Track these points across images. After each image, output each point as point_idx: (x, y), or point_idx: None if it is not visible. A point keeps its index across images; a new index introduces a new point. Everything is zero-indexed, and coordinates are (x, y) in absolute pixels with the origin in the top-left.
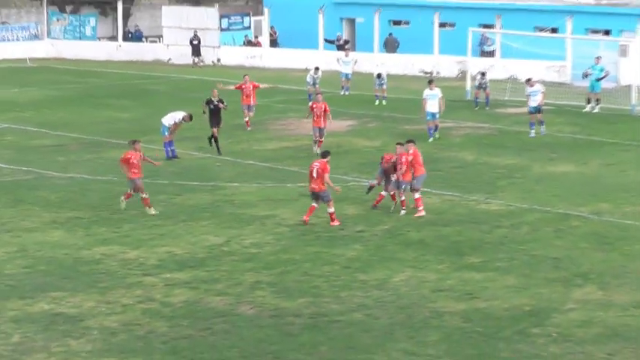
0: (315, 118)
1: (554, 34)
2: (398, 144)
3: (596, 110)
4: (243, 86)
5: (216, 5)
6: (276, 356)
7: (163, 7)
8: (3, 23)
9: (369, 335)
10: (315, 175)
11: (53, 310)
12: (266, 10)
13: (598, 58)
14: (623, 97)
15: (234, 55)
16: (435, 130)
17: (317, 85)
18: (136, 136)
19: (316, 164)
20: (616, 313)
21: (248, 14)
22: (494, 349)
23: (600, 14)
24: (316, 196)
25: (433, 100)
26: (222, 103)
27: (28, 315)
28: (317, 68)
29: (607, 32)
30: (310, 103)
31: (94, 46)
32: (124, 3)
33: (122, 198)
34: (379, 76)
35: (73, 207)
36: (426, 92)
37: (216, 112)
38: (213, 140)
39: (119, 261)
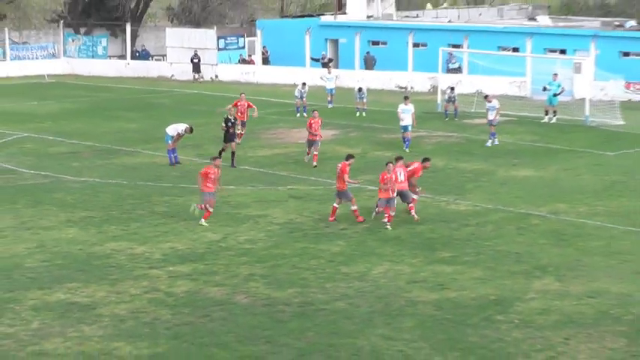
0: (313, 132)
1: (515, 53)
2: (389, 163)
3: (553, 121)
4: (238, 103)
5: (215, 27)
6: (268, 341)
7: (167, 29)
8: (24, 43)
9: (351, 322)
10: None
11: (69, 299)
12: (259, 32)
13: (555, 75)
14: (578, 109)
15: (230, 71)
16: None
17: (304, 99)
18: (143, 144)
19: (338, 165)
20: (571, 302)
21: (243, 35)
22: (463, 334)
23: (557, 35)
24: (339, 194)
25: (407, 114)
26: (235, 123)
27: (46, 304)
28: (304, 83)
29: (563, 51)
30: (309, 120)
31: (105, 64)
32: (132, 25)
33: (195, 205)
34: (360, 90)
35: (86, 207)
36: (401, 107)
37: (232, 129)
38: (221, 152)
39: (127, 255)
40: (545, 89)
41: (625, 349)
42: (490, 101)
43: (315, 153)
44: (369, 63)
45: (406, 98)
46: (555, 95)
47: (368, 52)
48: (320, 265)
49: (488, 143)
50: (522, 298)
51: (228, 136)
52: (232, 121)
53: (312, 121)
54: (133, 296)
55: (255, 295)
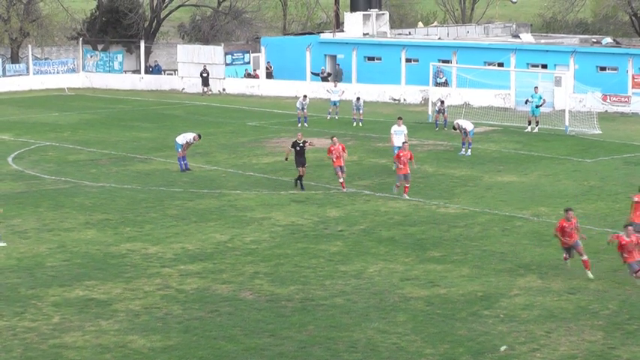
0: (401, 166)
1: (500, 68)
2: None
3: (535, 130)
4: (332, 148)
5: (222, 44)
6: (271, 334)
7: (178, 46)
8: (45, 59)
9: (348, 316)
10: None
11: (87, 295)
12: (263, 48)
13: (536, 88)
14: (558, 119)
15: (236, 85)
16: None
17: (305, 110)
18: (156, 152)
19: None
20: (553, 298)
21: (248, 51)
22: (452, 328)
23: (539, 51)
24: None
25: (400, 136)
26: (307, 142)
27: (66, 300)
28: (305, 96)
29: (544, 66)
30: (397, 152)
31: (120, 78)
32: (146, 42)
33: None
34: (358, 99)
35: (103, 210)
36: (394, 128)
37: (301, 153)
38: (298, 179)
39: (142, 255)
40: (527, 101)
41: (602, 342)
42: (460, 125)
43: (406, 185)
44: (338, 75)
45: (399, 119)
46: (537, 107)
47: (338, 65)
48: (319, 264)
49: (468, 152)
50: (507, 294)
51: (299, 160)
52: (300, 144)
53: (402, 154)
54: (146, 293)
55: (260, 292)
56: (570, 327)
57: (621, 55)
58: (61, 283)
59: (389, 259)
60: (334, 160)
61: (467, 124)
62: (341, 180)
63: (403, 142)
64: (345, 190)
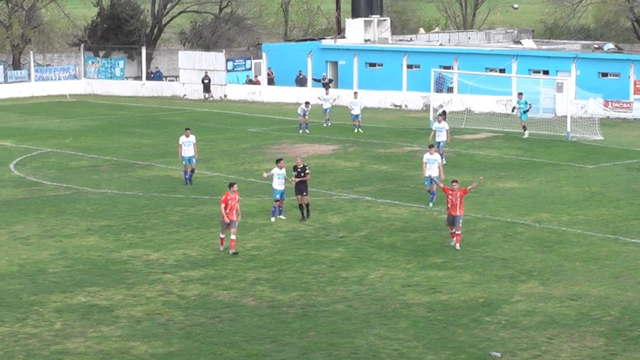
0: (450, 206)
1: (502, 74)
2: None
3: (526, 136)
4: (228, 197)
5: (224, 50)
6: (273, 340)
7: (180, 52)
8: (47, 65)
9: (349, 322)
10: None
11: (89, 302)
12: (264, 55)
13: (520, 94)
14: (560, 125)
15: (238, 91)
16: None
17: (307, 117)
18: (157, 158)
19: None
20: (554, 304)
21: (249, 58)
22: (454, 334)
23: (540, 57)
24: None
25: (433, 164)
26: (305, 171)
27: (68, 306)
28: (307, 102)
29: (546, 72)
30: (444, 187)
31: (122, 85)
32: (147, 49)
33: None
34: (355, 95)
35: (105, 217)
36: (427, 156)
37: (302, 180)
38: (299, 207)
39: (143, 261)
40: (514, 109)
41: (604, 348)
42: (440, 122)
43: (457, 232)
44: (299, 82)
45: (431, 147)
46: (524, 112)
47: (300, 71)
48: (321, 270)
49: (443, 161)
50: (509, 300)
51: (297, 187)
52: (298, 169)
53: (450, 193)
54: (148, 299)
55: (261, 298)
56: (572, 333)
57: (623, 61)
58: (63, 289)
59: (390, 266)
60: (226, 212)
61: (445, 129)
62: (222, 235)
63: (452, 182)
64: (233, 250)
